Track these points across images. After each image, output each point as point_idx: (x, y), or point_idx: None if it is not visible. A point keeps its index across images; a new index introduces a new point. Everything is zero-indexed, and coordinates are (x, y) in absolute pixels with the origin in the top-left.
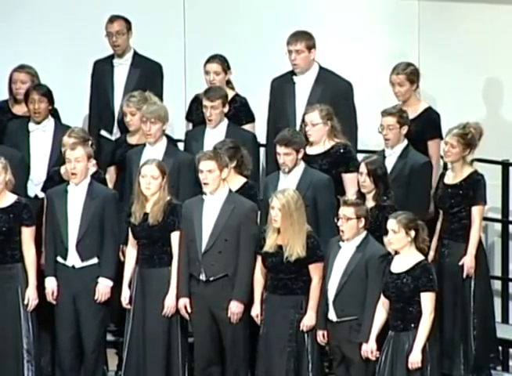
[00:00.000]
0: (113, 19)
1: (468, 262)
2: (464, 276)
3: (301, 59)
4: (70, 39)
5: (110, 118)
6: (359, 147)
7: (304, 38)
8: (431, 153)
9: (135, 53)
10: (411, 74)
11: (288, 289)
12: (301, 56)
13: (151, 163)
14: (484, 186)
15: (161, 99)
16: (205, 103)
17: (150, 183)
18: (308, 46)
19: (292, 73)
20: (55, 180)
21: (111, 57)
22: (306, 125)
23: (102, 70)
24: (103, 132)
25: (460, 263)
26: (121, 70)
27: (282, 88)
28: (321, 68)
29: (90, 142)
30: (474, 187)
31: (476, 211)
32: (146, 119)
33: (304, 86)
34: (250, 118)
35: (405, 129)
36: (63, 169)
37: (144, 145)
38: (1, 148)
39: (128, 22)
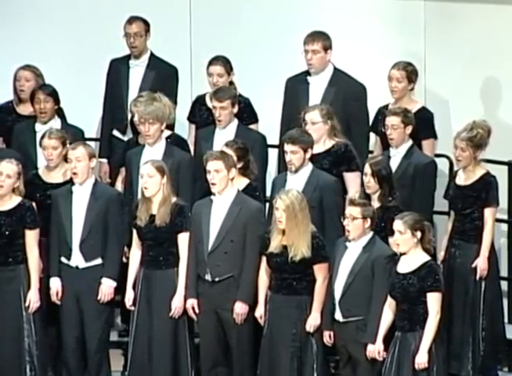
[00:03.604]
0: (131, 20)
1: (481, 264)
2: (478, 278)
3: (317, 60)
4: (77, 39)
5: (123, 119)
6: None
7: (321, 39)
8: (426, 152)
9: (152, 55)
10: (411, 73)
11: (292, 289)
12: (317, 56)
13: (147, 162)
14: (496, 188)
15: (175, 102)
16: (214, 103)
17: (147, 182)
18: (325, 47)
19: (306, 73)
20: (35, 183)
21: (128, 57)
22: (306, 124)
23: (117, 70)
24: (116, 132)
25: (473, 265)
26: (137, 71)
27: (296, 88)
28: (335, 69)
29: (68, 143)
30: (486, 189)
31: (488, 213)
32: (145, 120)
33: (318, 87)
34: (254, 119)
35: (409, 129)
36: (40, 170)
37: (143, 145)
38: (2, 150)
39: (146, 24)
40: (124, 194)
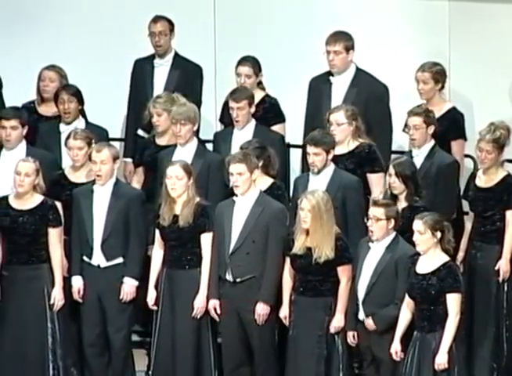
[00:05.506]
0: (156, 19)
1: (504, 266)
2: (500, 280)
3: (339, 60)
4: (100, 40)
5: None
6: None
7: (343, 39)
8: (455, 153)
9: (176, 54)
10: (436, 73)
11: (316, 291)
12: (339, 56)
13: (175, 164)
14: None
15: (200, 101)
16: (231, 104)
17: (175, 184)
18: (347, 47)
19: (329, 73)
20: (61, 183)
21: (152, 57)
22: (331, 125)
23: (142, 70)
24: (140, 132)
25: (496, 268)
26: (162, 70)
27: (319, 87)
28: (358, 69)
29: (94, 143)
30: (508, 191)
31: (510, 215)
32: (176, 121)
33: (340, 87)
34: (280, 119)
35: (431, 129)
36: (66, 170)
37: (175, 146)
38: (33, 150)
39: (171, 23)
40: (151, 194)
